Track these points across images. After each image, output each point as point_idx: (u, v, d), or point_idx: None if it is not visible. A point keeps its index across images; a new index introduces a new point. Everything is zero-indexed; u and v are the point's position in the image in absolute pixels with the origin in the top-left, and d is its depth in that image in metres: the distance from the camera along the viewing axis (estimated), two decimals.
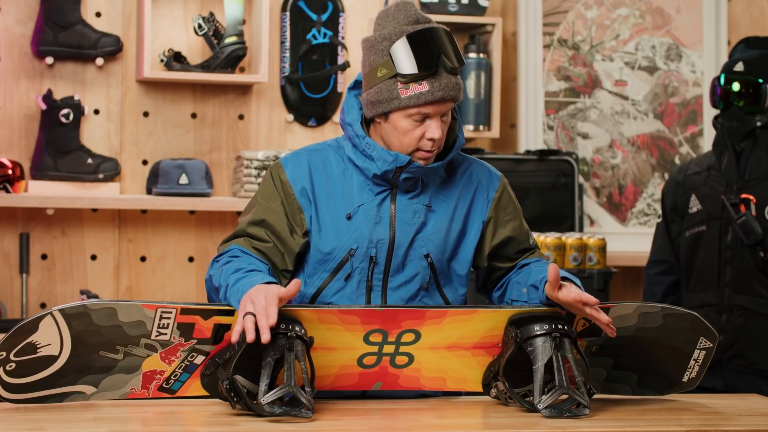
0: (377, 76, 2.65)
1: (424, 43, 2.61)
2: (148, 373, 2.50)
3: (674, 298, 3.85)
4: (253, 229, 2.70)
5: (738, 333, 3.68)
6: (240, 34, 4.39)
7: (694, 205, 3.81)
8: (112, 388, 2.50)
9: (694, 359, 2.67)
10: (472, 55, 4.64)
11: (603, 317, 2.48)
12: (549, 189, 4.63)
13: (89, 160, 4.32)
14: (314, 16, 4.62)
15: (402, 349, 2.57)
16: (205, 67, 4.40)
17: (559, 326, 2.48)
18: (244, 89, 4.58)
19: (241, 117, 4.58)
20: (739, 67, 3.73)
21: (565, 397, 2.46)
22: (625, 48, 4.91)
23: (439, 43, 2.61)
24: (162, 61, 4.41)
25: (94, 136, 4.43)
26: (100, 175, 4.33)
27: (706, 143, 4.90)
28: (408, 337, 2.55)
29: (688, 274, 3.82)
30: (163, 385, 2.52)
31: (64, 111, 4.28)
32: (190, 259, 4.53)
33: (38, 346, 2.41)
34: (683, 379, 2.70)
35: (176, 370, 2.50)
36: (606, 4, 4.90)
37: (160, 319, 2.44)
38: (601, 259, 4.33)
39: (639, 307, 2.60)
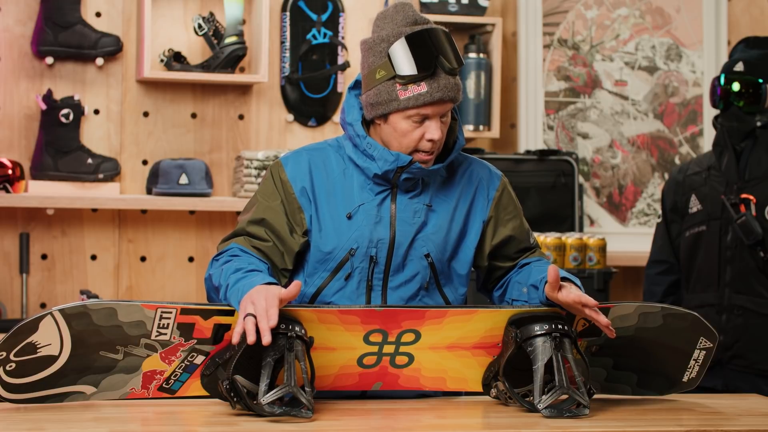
0: (376, 77, 2.64)
1: (422, 44, 2.60)
2: (148, 373, 2.50)
3: (674, 298, 3.85)
4: (253, 228, 2.70)
5: (738, 333, 3.68)
6: (240, 34, 4.39)
7: (694, 205, 3.81)
8: (112, 388, 2.50)
9: (694, 359, 2.67)
10: (472, 55, 4.64)
11: (602, 319, 2.48)
12: (549, 189, 4.63)
13: (89, 160, 4.32)
14: (314, 16, 4.62)
15: (402, 349, 2.57)
16: (205, 67, 4.40)
17: (559, 326, 2.48)
18: (244, 89, 4.58)
19: (241, 117, 4.58)
20: (739, 67, 3.73)
21: (565, 397, 2.46)
22: (625, 48, 4.91)
23: (438, 43, 2.61)
24: (162, 61, 4.41)
25: (94, 136, 4.43)
26: (100, 175, 4.33)
27: (706, 143, 4.90)
28: (408, 337, 2.56)
29: (688, 274, 3.82)
30: (163, 385, 2.52)
31: (64, 111, 4.28)
32: (190, 259, 4.53)
33: (38, 346, 2.41)
34: (683, 379, 2.70)
35: (176, 370, 2.50)
36: (606, 4, 4.90)
37: (160, 319, 2.44)
38: (601, 259, 4.33)
39: (639, 307, 2.60)
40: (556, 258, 4.29)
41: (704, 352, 2.67)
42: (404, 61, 2.60)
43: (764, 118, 3.70)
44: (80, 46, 4.33)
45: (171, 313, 2.44)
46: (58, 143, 4.29)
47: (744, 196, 3.68)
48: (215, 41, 4.41)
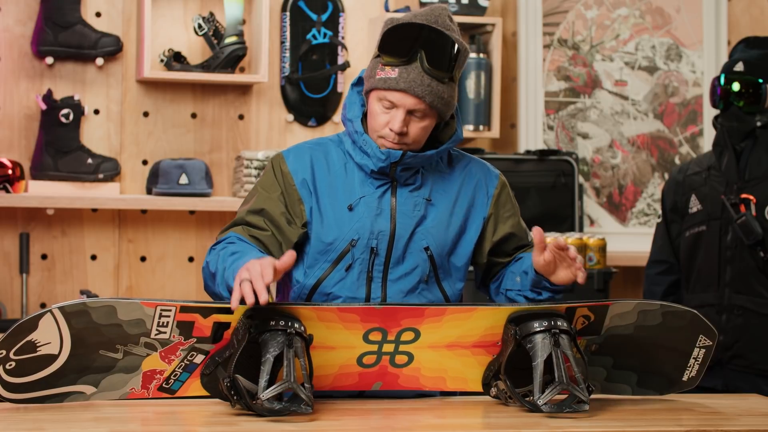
0: (374, 54, 2.72)
1: (411, 35, 2.65)
2: (147, 373, 2.50)
3: (674, 298, 3.85)
4: (252, 218, 2.72)
5: (738, 333, 3.68)
6: (240, 34, 4.39)
7: (694, 205, 3.81)
8: (112, 388, 2.50)
9: (693, 357, 2.67)
10: (472, 55, 4.64)
11: (571, 253, 2.57)
12: (549, 189, 4.63)
13: (89, 160, 4.32)
14: (314, 16, 4.62)
15: (402, 348, 2.57)
16: (205, 67, 4.40)
17: (558, 323, 2.48)
18: (244, 89, 4.58)
19: (241, 117, 4.58)
20: (739, 67, 3.73)
21: (564, 393, 2.46)
22: (625, 48, 4.91)
23: (428, 41, 2.64)
24: (162, 61, 4.41)
25: (94, 136, 4.43)
26: (100, 175, 4.33)
27: (706, 143, 4.90)
28: (407, 336, 2.56)
29: (688, 274, 3.82)
30: (163, 384, 2.52)
31: (64, 111, 4.28)
32: (190, 259, 4.53)
33: (38, 344, 2.41)
34: (683, 378, 2.70)
35: (176, 369, 2.50)
36: (606, 4, 4.90)
37: (159, 318, 2.44)
38: (601, 259, 4.33)
39: (638, 304, 2.60)
40: None
41: (704, 350, 2.67)
42: (388, 44, 2.66)
43: (764, 118, 3.70)
44: (80, 46, 4.33)
45: (170, 311, 2.44)
46: (58, 143, 4.29)
47: (744, 196, 3.68)
48: (215, 41, 4.41)
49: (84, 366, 2.46)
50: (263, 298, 2.37)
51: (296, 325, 2.41)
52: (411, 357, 2.59)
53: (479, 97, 4.64)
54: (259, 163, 4.34)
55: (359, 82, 2.79)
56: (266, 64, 4.43)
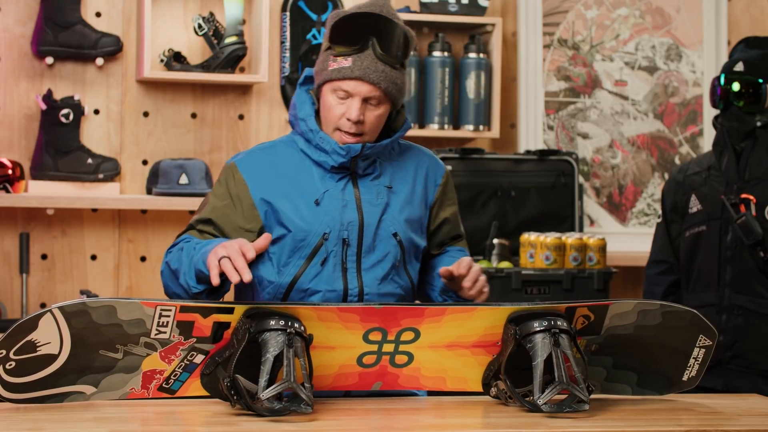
0: (322, 48, 2.76)
1: (361, 24, 2.69)
2: (147, 373, 2.50)
3: (674, 298, 3.85)
4: (201, 227, 2.76)
5: (738, 333, 3.68)
6: (240, 34, 4.39)
7: (694, 205, 3.81)
8: (112, 388, 2.50)
9: (693, 357, 2.67)
10: (472, 55, 4.64)
11: (474, 289, 2.66)
12: (549, 189, 4.63)
13: (89, 160, 4.32)
14: (314, 16, 4.62)
15: (401, 348, 2.57)
16: (205, 67, 4.40)
17: (558, 323, 2.48)
18: (244, 89, 4.58)
19: (241, 117, 4.58)
20: (739, 67, 3.73)
21: (564, 393, 2.46)
22: (625, 48, 4.91)
23: (378, 28, 2.69)
24: (162, 61, 4.41)
25: (94, 136, 4.43)
26: (100, 175, 4.33)
27: (706, 143, 4.90)
28: (407, 336, 2.56)
29: (688, 274, 3.82)
30: (163, 384, 2.52)
31: (64, 111, 4.28)
32: None
33: (38, 344, 2.41)
34: (683, 378, 2.70)
35: (176, 369, 2.50)
36: (606, 4, 4.90)
37: (159, 317, 2.44)
38: (601, 259, 4.33)
39: (638, 304, 2.60)
40: (556, 258, 4.29)
41: (704, 350, 2.67)
42: (339, 34, 2.70)
43: (764, 118, 3.70)
44: (80, 46, 4.33)
45: (170, 310, 2.44)
46: (58, 143, 4.29)
47: (744, 196, 3.68)
48: (215, 41, 4.41)
49: (84, 366, 2.46)
50: (247, 277, 2.43)
51: (296, 325, 2.41)
52: (411, 357, 2.59)
53: (479, 97, 4.64)
54: None
55: (306, 81, 2.82)
56: (266, 64, 4.43)
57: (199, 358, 2.50)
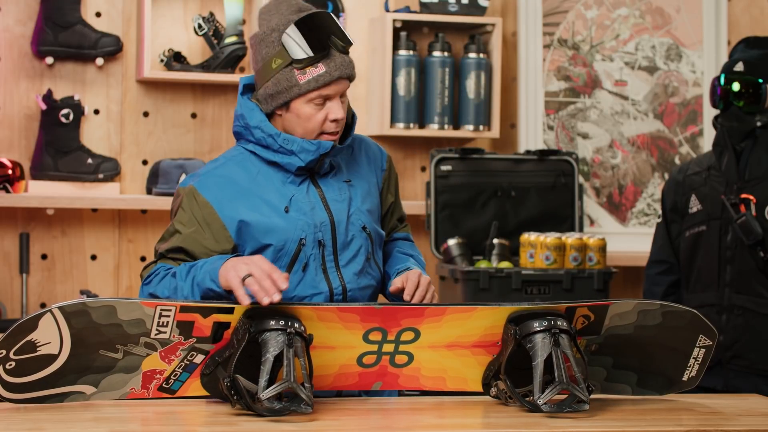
0: (272, 68, 2.71)
1: (314, 27, 2.69)
2: (147, 373, 2.50)
3: (674, 298, 3.85)
4: (173, 255, 2.72)
5: (738, 333, 3.68)
6: (240, 34, 4.39)
7: (694, 205, 3.81)
8: (112, 388, 2.50)
9: (693, 357, 2.67)
10: (472, 55, 4.64)
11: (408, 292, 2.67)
12: (549, 189, 4.63)
13: (89, 160, 4.32)
14: None
15: (402, 348, 2.57)
16: (205, 67, 4.40)
17: (558, 323, 2.48)
18: None
19: None
20: (739, 67, 3.73)
21: (564, 393, 2.46)
22: (625, 48, 4.91)
23: (327, 25, 2.71)
24: (162, 61, 4.41)
25: (94, 136, 4.43)
26: (100, 175, 4.33)
27: (706, 143, 4.90)
28: (407, 336, 2.56)
29: (688, 274, 3.82)
30: (163, 384, 2.52)
31: (64, 111, 4.28)
32: None
33: (38, 344, 2.41)
34: (683, 378, 2.70)
35: (176, 369, 2.50)
36: (606, 4, 4.90)
37: (159, 317, 2.44)
38: (601, 259, 4.33)
39: (638, 304, 2.60)
40: (556, 258, 4.29)
41: (704, 350, 2.67)
42: (299, 46, 2.68)
43: (764, 118, 3.70)
44: (80, 46, 4.33)
45: (170, 311, 2.44)
46: (58, 143, 4.29)
47: (744, 196, 3.68)
48: (215, 41, 4.41)
49: (84, 366, 2.46)
50: (277, 298, 2.43)
51: (296, 325, 2.41)
52: (411, 357, 2.59)
53: (479, 97, 4.64)
54: None
55: (245, 90, 2.79)
56: None
57: (199, 358, 2.50)
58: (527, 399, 2.52)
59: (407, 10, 4.61)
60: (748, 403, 2.74)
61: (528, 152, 4.65)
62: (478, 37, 4.65)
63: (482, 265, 4.32)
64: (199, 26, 4.39)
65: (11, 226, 4.36)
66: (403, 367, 2.60)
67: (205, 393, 2.54)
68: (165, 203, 4.35)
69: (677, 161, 4.90)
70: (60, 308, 2.41)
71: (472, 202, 4.56)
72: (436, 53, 4.62)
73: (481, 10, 4.65)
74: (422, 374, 2.62)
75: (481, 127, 4.65)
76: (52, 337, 2.41)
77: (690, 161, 3.97)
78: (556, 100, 4.83)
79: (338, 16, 4.63)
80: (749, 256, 3.67)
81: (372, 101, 4.63)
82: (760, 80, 3.70)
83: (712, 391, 3.42)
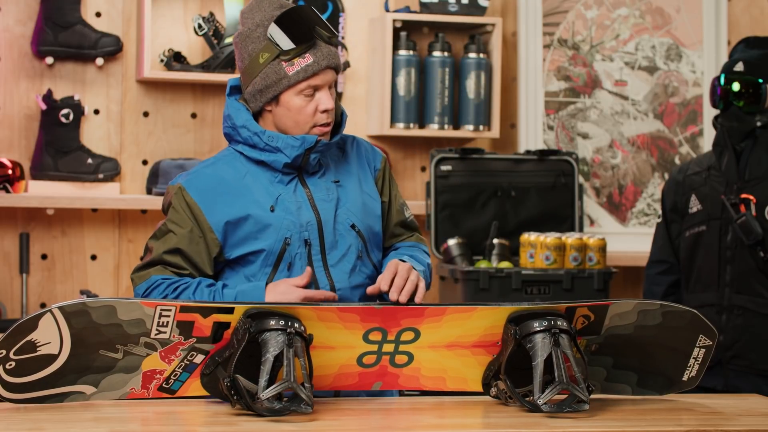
0: (260, 63, 2.73)
1: (297, 20, 2.72)
2: (147, 373, 2.50)
3: (674, 298, 3.85)
4: (169, 258, 2.73)
5: (738, 333, 3.68)
6: None
7: (694, 205, 3.81)
8: (112, 388, 2.50)
9: (693, 357, 2.67)
10: (472, 55, 4.64)
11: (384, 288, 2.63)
12: (549, 189, 4.63)
13: (89, 160, 4.32)
14: None
15: (402, 348, 2.57)
16: (205, 67, 4.40)
17: (558, 323, 2.48)
18: None
19: None
20: (739, 67, 3.73)
21: (564, 393, 2.46)
22: (625, 48, 4.91)
23: (310, 17, 2.74)
24: (162, 61, 4.41)
25: (94, 136, 4.43)
26: (100, 175, 4.33)
27: (706, 143, 4.90)
28: (407, 336, 2.56)
29: (688, 274, 3.82)
30: (163, 384, 2.52)
31: (64, 111, 4.28)
32: None
33: (38, 344, 2.41)
34: (683, 378, 2.70)
35: (176, 369, 2.50)
36: (606, 4, 4.90)
37: (159, 317, 2.44)
38: (601, 259, 4.33)
39: (638, 304, 2.60)
40: (556, 258, 4.29)
41: (704, 350, 2.67)
42: (285, 38, 2.70)
43: (764, 118, 3.70)
44: (80, 46, 4.33)
45: (170, 311, 2.44)
46: (58, 143, 4.29)
47: (744, 196, 3.68)
48: (215, 41, 4.41)
49: (84, 366, 2.46)
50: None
51: (296, 325, 2.41)
52: (411, 357, 2.59)
53: (479, 97, 4.64)
54: None
55: (232, 91, 2.81)
56: None
57: (199, 358, 2.50)
58: (527, 399, 2.52)
59: (407, 10, 4.61)
60: (748, 403, 2.74)
61: (528, 152, 4.65)
62: (478, 37, 4.65)
63: (482, 265, 4.32)
64: (199, 26, 4.39)
65: (11, 226, 4.36)
66: (403, 367, 2.60)
67: (205, 393, 2.54)
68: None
69: (677, 161, 4.90)
70: (60, 308, 2.41)
71: (472, 202, 4.56)
72: (436, 53, 4.62)
73: (481, 10, 4.65)
74: (422, 374, 2.62)
75: (481, 127, 4.65)
76: (52, 337, 2.41)
77: (690, 161, 3.97)
78: (556, 100, 4.84)
79: (338, 16, 4.63)
80: (749, 256, 3.67)
81: (372, 101, 4.63)
82: (760, 80, 3.70)
83: (712, 391, 3.42)
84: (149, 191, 4.40)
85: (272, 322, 2.40)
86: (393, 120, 4.57)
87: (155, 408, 2.51)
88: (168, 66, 4.39)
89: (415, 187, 4.72)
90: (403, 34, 4.57)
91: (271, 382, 2.37)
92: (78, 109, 4.30)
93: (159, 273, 2.72)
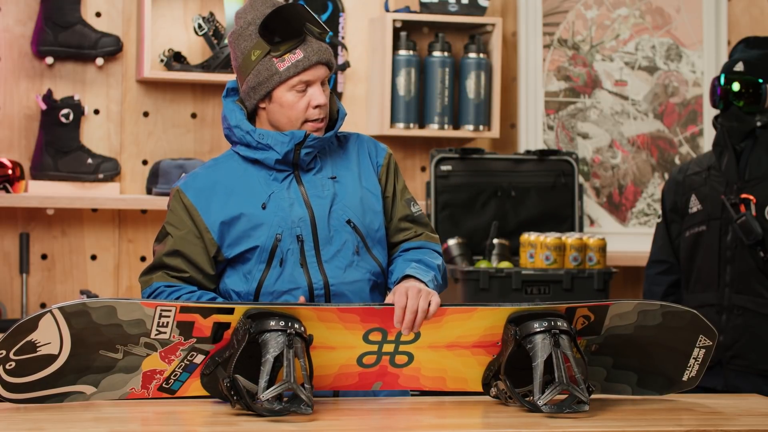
0: (252, 60, 2.76)
1: (288, 16, 2.74)
2: (147, 373, 2.50)
3: (674, 298, 3.85)
4: (170, 260, 2.75)
5: (738, 333, 3.68)
6: None
7: (694, 205, 3.81)
8: (112, 388, 2.50)
9: (693, 357, 2.67)
10: (472, 55, 4.64)
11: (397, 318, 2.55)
12: (549, 189, 4.63)
13: (89, 160, 4.32)
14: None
15: (402, 348, 2.57)
16: (205, 67, 4.40)
17: (558, 323, 2.48)
18: None
19: None
20: (739, 67, 3.73)
21: (564, 393, 2.46)
22: (625, 48, 4.91)
23: (301, 14, 2.75)
24: (162, 61, 4.41)
25: (94, 136, 4.43)
26: (100, 175, 4.33)
27: (706, 143, 4.90)
28: (407, 336, 2.56)
29: (688, 274, 3.82)
30: (163, 385, 2.52)
31: (64, 111, 4.28)
32: None
33: (38, 344, 2.41)
34: (683, 378, 2.70)
35: (176, 369, 2.50)
36: (606, 4, 4.90)
37: (159, 318, 2.44)
38: (601, 259, 4.33)
39: (638, 305, 2.60)
40: (556, 258, 4.29)
41: (704, 350, 2.67)
42: (276, 34, 2.73)
43: (764, 118, 3.70)
44: (80, 46, 4.33)
45: (170, 311, 2.44)
46: (58, 143, 4.29)
47: (744, 196, 3.68)
48: (215, 41, 4.41)
49: (84, 366, 2.47)
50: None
51: (296, 326, 2.41)
52: (411, 357, 2.59)
53: (479, 97, 4.64)
54: None
55: (228, 93, 2.84)
56: None
57: (199, 359, 2.50)
58: (527, 399, 2.52)
59: (407, 10, 4.61)
60: (748, 403, 2.74)
61: (528, 152, 4.65)
62: (478, 37, 4.65)
63: (482, 265, 4.32)
64: (199, 26, 4.39)
65: (11, 226, 4.36)
66: (403, 367, 2.60)
67: (205, 393, 2.54)
68: (165, 203, 4.33)
69: (677, 161, 4.90)
70: (60, 308, 2.41)
71: (472, 202, 4.56)
72: (436, 53, 4.62)
73: (481, 10, 4.65)
74: (422, 374, 2.62)
75: (481, 127, 4.65)
76: (52, 338, 2.42)
77: (690, 161, 3.97)
78: (556, 100, 4.84)
79: (338, 16, 4.63)
80: (749, 256, 3.67)
81: (372, 101, 4.63)
82: (760, 80, 3.70)
83: (712, 391, 3.42)
84: (149, 191, 4.40)
85: (272, 323, 2.40)
86: (393, 120, 4.57)
87: (155, 408, 2.52)
88: (168, 66, 4.39)
89: (415, 187, 4.72)
90: (403, 34, 4.58)
91: (271, 382, 2.37)
92: (78, 109, 4.30)
93: (161, 279, 2.74)
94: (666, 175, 4.86)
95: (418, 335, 2.56)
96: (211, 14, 4.42)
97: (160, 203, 4.35)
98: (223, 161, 2.83)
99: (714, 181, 3.77)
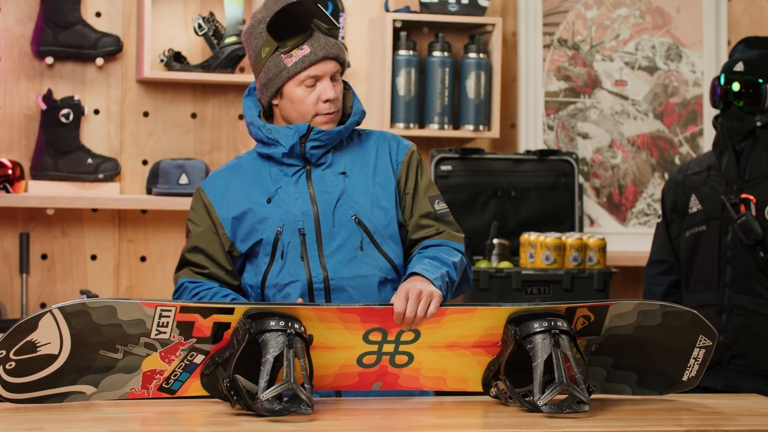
0: (262, 57, 2.80)
1: (296, 13, 2.77)
2: (147, 373, 2.50)
3: (674, 298, 3.85)
4: (192, 257, 2.82)
5: (738, 333, 3.68)
6: (240, 34, 4.39)
7: (694, 205, 3.81)
8: (112, 388, 2.50)
9: (693, 358, 2.67)
10: (472, 55, 4.64)
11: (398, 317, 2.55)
12: (549, 189, 4.63)
13: (89, 160, 4.32)
14: None
15: (402, 348, 2.57)
16: (205, 67, 4.40)
17: (558, 323, 2.48)
18: (244, 89, 4.57)
19: (241, 117, 4.57)
20: (739, 67, 3.73)
21: (564, 393, 2.46)
22: (625, 48, 4.91)
23: (310, 10, 2.78)
24: (162, 61, 4.41)
25: (94, 136, 4.43)
26: (100, 175, 4.33)
27: (706, 143, 4.90)
28: (407, 336, 2.56)
29: (688, 274, 3.82)
30: (163, 385, 2.52)
31: (64, 111, 4.28)
32: None
33: (38, 344, 2.41)
34: (683, 378, 2.70)
35: (176, 369, 2.50)
36: (606, 4, 4.90)
37: (159, 318, 2.44)
38: (601, 259, 4.33)
39: (638, 305, 2.60)
40: (556, 258, 4.29)
41: (704, 350, 2.67)
42: (283, 32, 2.76)
43: (764, 118, 3.70)
44: (80, 46, 4.33)
45: (170, 311, 2.44)
46: (58, 143, 4.29)
47: (744, 196, 3.68)
48: (215, 41, 4.41)
49: (84, 366, 2.47)
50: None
51: (296, 326, 2.41)
52: (411, 357, 2.59)
53: (479, 97, 4.64)
54: None
55: (250, 93, 2.88)
56: None
57: (199, 359, 2.50)
58: (527, 399, 2.52)
59: (407, 10, 4.61)
60: (748, 403, 2.74)
61: (528, 152, 4.65)
62: (478, 37, 4.65)
63: (482, 265, 4.32)
64: (199, 26, 4.39)
65: (11, 226, 4.36)
66: (403, 367, 2.60)
67: (205, 393, 2.54)
68: (165, 203, 4.35)
69: (677, 161, 4.90)
70: (60, 308, 2.41)
71: (472, 202, 4.56)
72: (436, 53, 4.62)
73: (481, 10, 4.65)
74: (422, 374, 2.62)
75: (481, 127, 4.65)
76: (52, 338, 2.42)
77: (690, 161, 3.97)
78: (556, 100, 4.84)
79: (338, 16, 4.63)
80: (749, 256, 3.67)
81: (372, 101, 4.63)
82: (760, 80, 3.70)
83: (712, 391, 3.42)
84: (149, 191, 4.40)
85: (272, 323, 2.40)
86: (393, 120, 4.57)
87: (155, 408, 2.52)
88: (168, 66, 4.39)
89: None
90: (403, 34, 4.57)
91: (271, 382, 2.37)
92: (78, 109, 4.30)
93: (186, 275, 2.81)
94: (666, 175, 4.86)
95: (418, 335, 2.56)
96: (211, 14, 4.42)
97: (160, 203, 4.35)
98: (244, 158, 2.88)
99: (714, 181, 3.77)
